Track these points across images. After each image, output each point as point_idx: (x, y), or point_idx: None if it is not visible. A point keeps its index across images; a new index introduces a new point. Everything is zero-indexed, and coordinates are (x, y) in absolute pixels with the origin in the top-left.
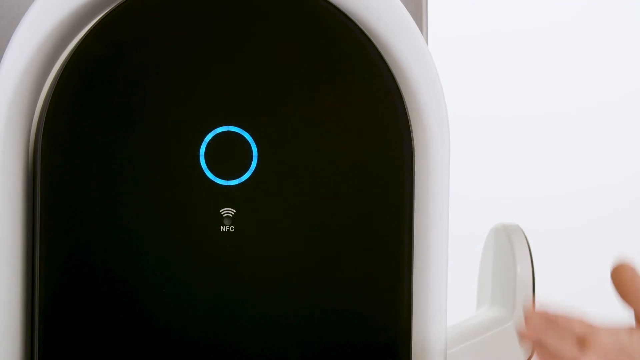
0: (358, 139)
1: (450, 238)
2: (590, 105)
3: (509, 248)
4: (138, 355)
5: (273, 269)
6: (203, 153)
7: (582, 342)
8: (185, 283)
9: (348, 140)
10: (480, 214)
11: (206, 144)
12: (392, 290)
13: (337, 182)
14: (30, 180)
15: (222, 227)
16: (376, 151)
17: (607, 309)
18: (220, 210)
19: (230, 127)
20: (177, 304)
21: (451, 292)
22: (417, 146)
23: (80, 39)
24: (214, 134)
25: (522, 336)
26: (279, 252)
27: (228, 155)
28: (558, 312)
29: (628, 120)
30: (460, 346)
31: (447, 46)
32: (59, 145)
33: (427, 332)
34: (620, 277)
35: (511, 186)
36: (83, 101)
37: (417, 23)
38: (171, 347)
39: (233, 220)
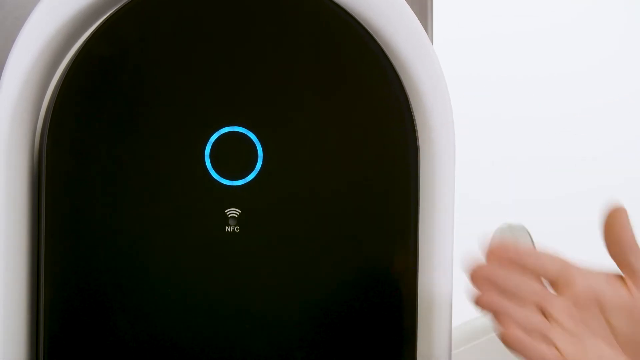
0: (363, 140)
1: (455, 238)
2: (593, 106)
3: None
4: (143, 355)
5: (278, 269)
6: (208, 153)
7: (553, 282)
8: (190, 283)
9: (353, 140)
10: (485, 214)
11: (211, 144)
12: (398, 290)
13: (343, 183)
14: (35, 179)
15: (227, 227)
16: (381, 152)
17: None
18: (226, 211)
19: (235, 127)
20: (182, 304)
21: (457, 292)
22: (423, 147)
23: (86, 39)
24: (219, 134)
25: (472, 274)
26: (284, 252)
27: (233, 156)
28: (525, 251)
29: (630, 121)
30: (466, 346)
31: (452, 47)
32: (64, 145)
33: (432, 332)
34: (611, 224)
35: (516, 187)
36: (88, 101)
37: (422, 24)
38: (177, 348)
39: (238, 220)
